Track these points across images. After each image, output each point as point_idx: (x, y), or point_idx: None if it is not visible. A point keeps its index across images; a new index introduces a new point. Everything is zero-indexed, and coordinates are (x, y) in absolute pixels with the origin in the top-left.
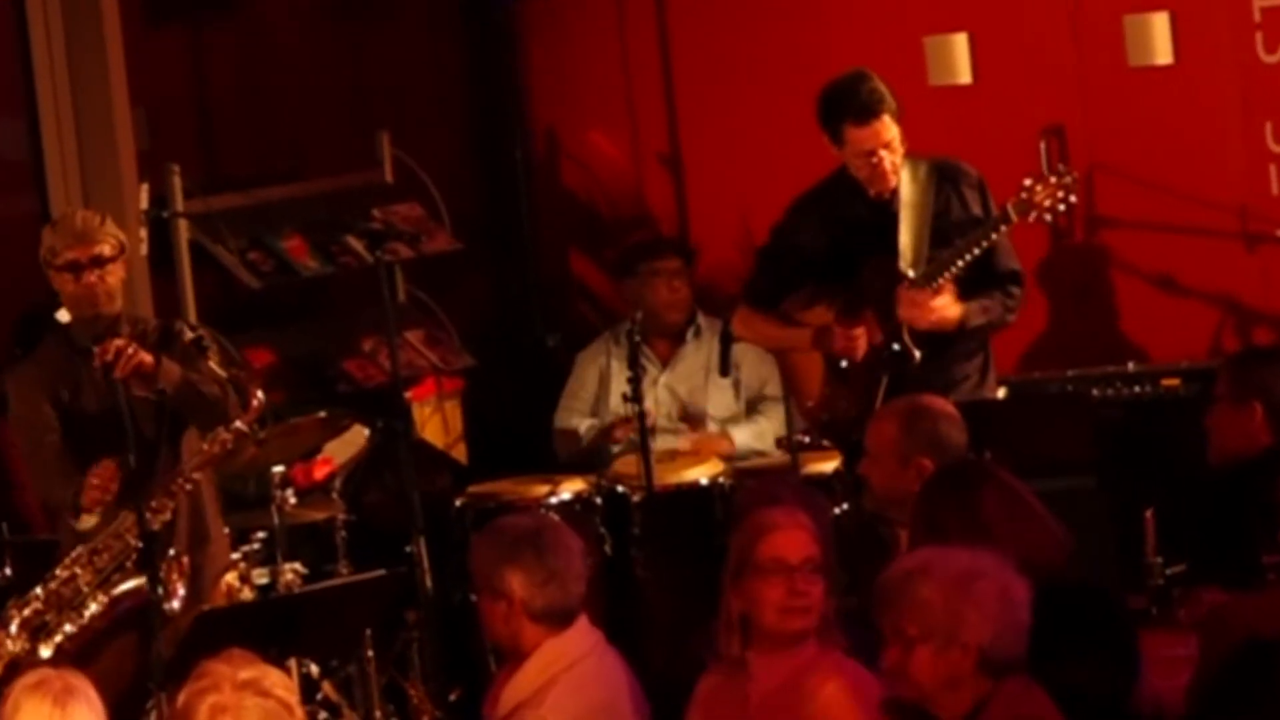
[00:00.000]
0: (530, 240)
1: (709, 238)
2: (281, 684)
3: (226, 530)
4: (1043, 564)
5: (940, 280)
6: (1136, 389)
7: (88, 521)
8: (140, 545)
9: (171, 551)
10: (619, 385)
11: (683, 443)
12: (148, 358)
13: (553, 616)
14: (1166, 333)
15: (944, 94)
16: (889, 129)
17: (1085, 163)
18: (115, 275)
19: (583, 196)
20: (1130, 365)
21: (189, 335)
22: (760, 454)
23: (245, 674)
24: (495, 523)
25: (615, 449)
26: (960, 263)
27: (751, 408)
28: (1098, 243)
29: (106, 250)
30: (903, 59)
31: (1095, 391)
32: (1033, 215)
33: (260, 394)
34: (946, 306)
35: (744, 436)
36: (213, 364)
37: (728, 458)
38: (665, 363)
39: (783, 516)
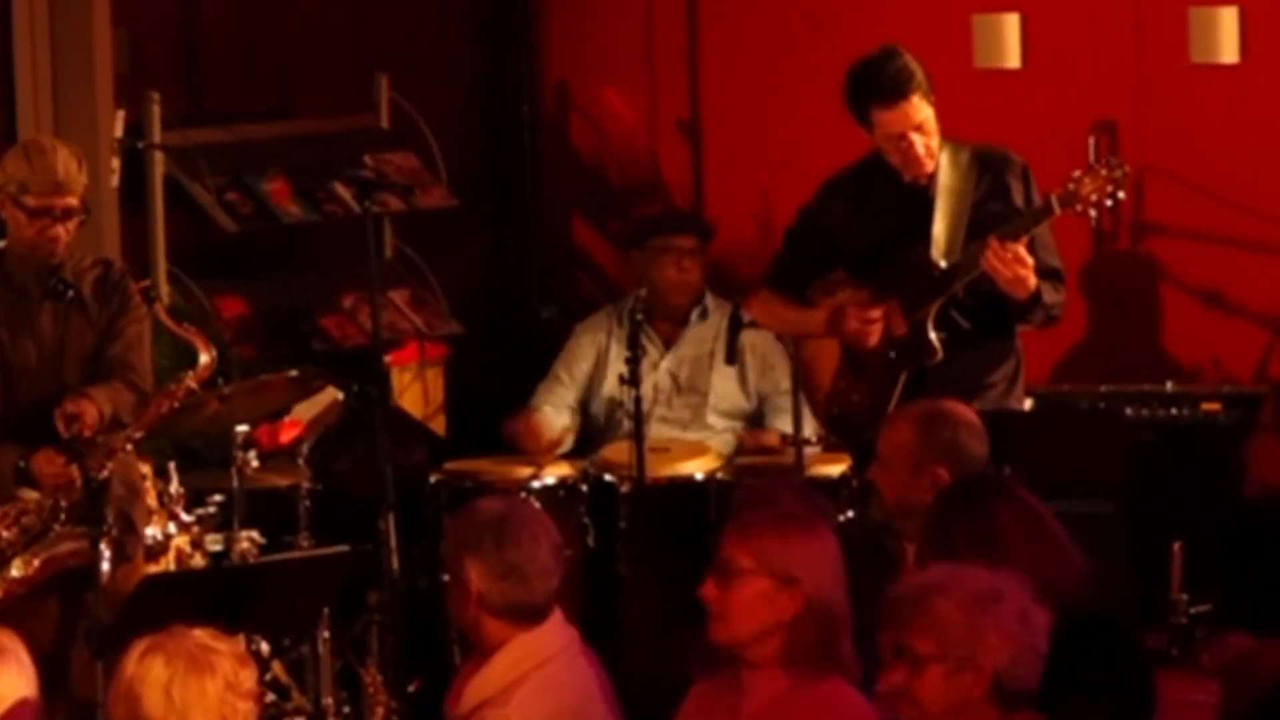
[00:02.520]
0: (532, 203)
1: (725, 214)
2: (235, 662)
3: (181, 488)
4: (1058, 593)
5: (1023, 240)
6: (1173, 411)
7: (28, 494)
8: (67, 508)
9: (110, 521)
10: (616, 366)
11: (735, 440)
12: (94, 415)
13: (514, 612)
14: (1210, 353)
15: (989, 78)
16: (919, 110)
17: (1136, 163)
18: (76, 225)
19: (592, 160)
20: (1168, 385)
21: (131, 285)
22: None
23: (204, 639)
24: (469, 504)
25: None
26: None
27: (759, 409)
28: (1143, 250)
29: (77, 201)
30: (948, 37)
31: (1128, 410)
32: (1078, 207)
33: (211, 353)
34: (1029, 265)
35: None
36: (163, 317)
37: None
38: (668, 345)
39: (734, 530)
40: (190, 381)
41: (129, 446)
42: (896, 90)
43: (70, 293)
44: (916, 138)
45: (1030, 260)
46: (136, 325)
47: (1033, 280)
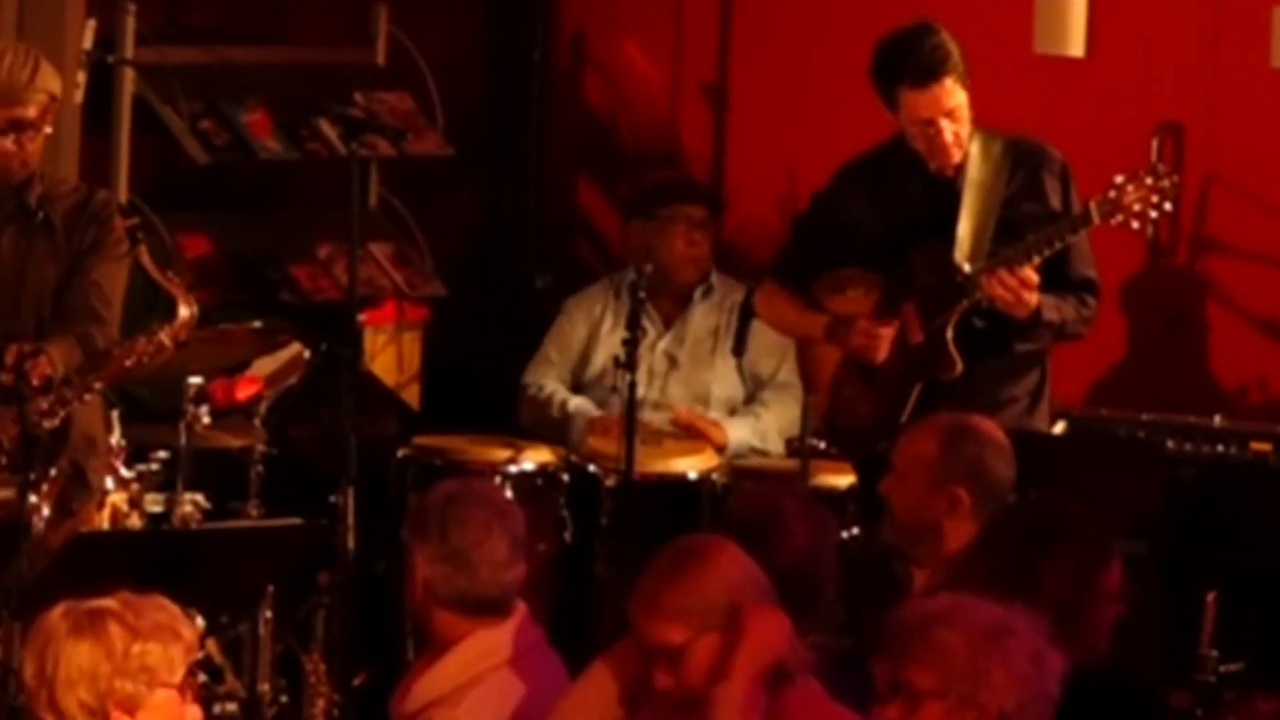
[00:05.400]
0: (534, 160)
1: (745, 190)
2: (128, 635)
3: (122, 441)
4: None
5: (1033, 261)
6: (1219, 448)
7: None
8: (8, 451)
9: (53, 472)
10: (609, 345)
11: (670, 416)
12: (47, 371)
13: (462, 604)
14: (1265, 387)
15: (1048, 65)
16: (951, 95)
17: (1200, 171)
18: (38, 140)
19: (604, 117)
20: (1216, 419)
21: (118, 221)
22: (760, 453)
23: (108, 602)
24: (436, 485)
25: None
26: (1035, 259)
27: (752, 397)
28: (1201, 268)
29: (33, 112)
30: (1006, 16)
31: (1170, 443)
32: (1118, 218)
33: (191, 308)
34: (1032, 288)
35: (741, 432)
36: (145, 261)
37: (718, 449)
38: (668, 324)
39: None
40: (164, 336)
41: (87, 397)
42: (929, 71)
43: (40, 215)
44: (946, 124)
45: (1035, 279)
46: (110, 266)
47: (1034, 299)
